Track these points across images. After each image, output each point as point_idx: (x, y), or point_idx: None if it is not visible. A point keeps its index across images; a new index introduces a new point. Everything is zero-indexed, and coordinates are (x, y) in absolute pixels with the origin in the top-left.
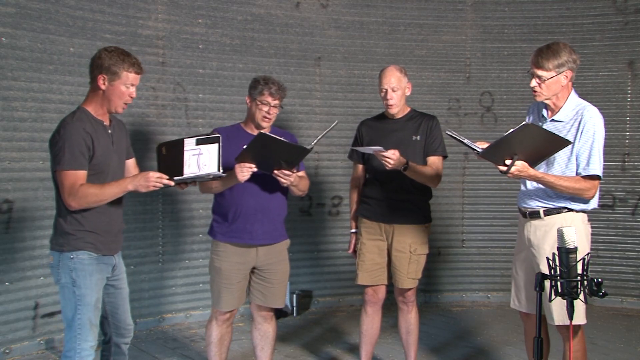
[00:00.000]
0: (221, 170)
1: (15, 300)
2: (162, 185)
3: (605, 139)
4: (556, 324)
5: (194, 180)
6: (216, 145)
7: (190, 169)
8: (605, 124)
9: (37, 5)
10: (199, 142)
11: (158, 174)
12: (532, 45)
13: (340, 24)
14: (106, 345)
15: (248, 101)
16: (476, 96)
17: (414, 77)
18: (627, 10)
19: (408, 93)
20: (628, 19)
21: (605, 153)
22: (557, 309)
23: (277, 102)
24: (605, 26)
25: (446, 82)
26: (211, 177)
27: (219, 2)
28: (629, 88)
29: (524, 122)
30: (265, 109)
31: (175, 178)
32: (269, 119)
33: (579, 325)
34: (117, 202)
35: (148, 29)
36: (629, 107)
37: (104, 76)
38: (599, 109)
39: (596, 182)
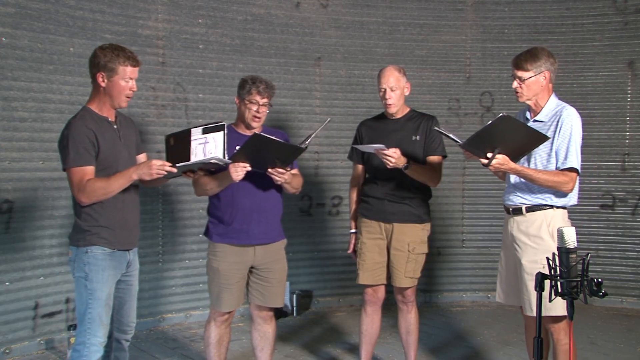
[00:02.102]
0: (226, 157)
1: (15, 300)
2: (165, 172)
3: (605, 138)
4: (526, 313)
5: (199, 167)
6: (221, 133)
7: (197, 157)
8: (601, 123)
9: (37, 5)
10: (205, 131)
11: (161, 162)
12: (532, 45)
13: (340, 24)
14: (107, 340)
15: (237, 101)
16: (476, 96)
17: (414, 77)
18: (627, 10)
19: (407, 93)
20: (628, 19)
21: (605, 153)
22: (532, 299)
23: (265, 100)
24: (605, 26)
25: (446, 82)
26: (215, 161)
27: (219, 2)
28: (629, 88)
29: (501, 114)
30: (255, 108)
31: (178, 165)
32: (259, 118)
33: (564, 316)
34: (130, 196)
35: (148, 29)
36: (629, 107)
37: (102, 74)
38: (598, 109)
39: (574, 175)
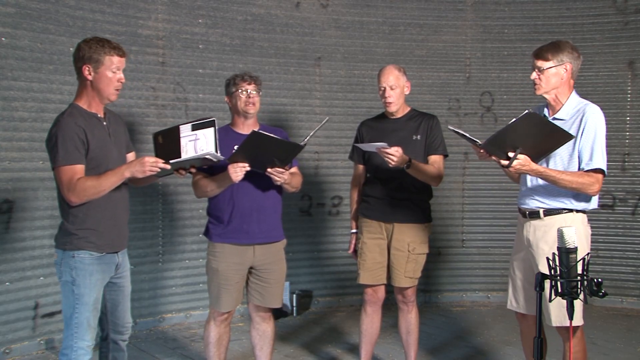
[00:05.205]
0: (219, 152)
1: (15, 300)
2: (158, 170)
3: (606, 138)
4: (554, 324)
5: (192, 164)
6: (212, 129)
7: (188, 155)
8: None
9: (37, 5)
10: (194, 128)
11: (154, 159)
12: (532, 45)
13: (340, 24)
14: (104, 342)
15: (228, 100)
16: (476, 96)
17: (414, 77)
18: (627, 10)
19: (407, 92)
20: (628, 19)
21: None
22: (555, 310)
23: (253, 86)
24: (605, 26)
25: (446, 82)
26: (209, 157)
27: (219, 2)
28: (629, 88)
29: (526, 111)
30: (245, 95)
31: (171, 161)
32: (252, 103)
33: (578, 325)
34: (120, 195)
35: (148, 29)
36: (629, 107)
37: (89, 66)
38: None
39: (600, 177)
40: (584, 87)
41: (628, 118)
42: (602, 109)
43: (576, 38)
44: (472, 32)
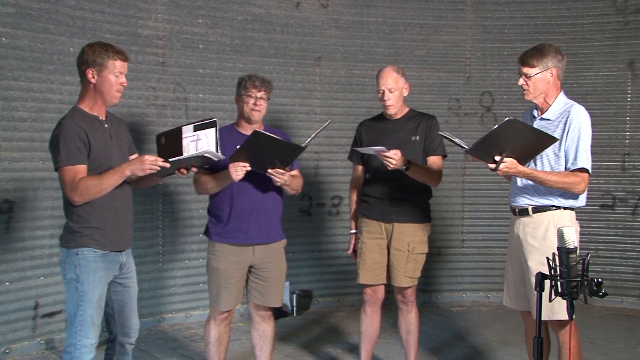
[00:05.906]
0: (219, 152)
1: (15, 300)
2: (158, 168)
3: (605, 138)
4: (542, 318)
5: (192, 163)
6: (213, 129)
7: (189, 154)
8: (601, 123)
9: (37, 5)
10: (196, 128)
11: (153, 157)
12: (532, 45)
13: (340, 24)
14: (111, 344)
15: (236, 100)
16: (476, 96)
17: (414, 77)
18: (627, 10)
19: (406, 93)
20: (628, 19)
21: (605, 153)
22: (542, 304)
23: (262, 93)
24: (605, 26)
25: (446, 82)
26: (208, 156)
27: (219, 2)
28: (629, 88)
29: (507, 118)
30: (252, 101)
31: (170, 160)
32: (257, 110)
33: (566, 319)
34: (123, 194)
35: (148, 29)
36: (629, 107)
37: (92, 69)
38: (598, 109)
39: (585, 176)
40: (584, 87)
41: (628, 118)
42: (602, 109)
43: (576, 38)
44: (472, 32)
